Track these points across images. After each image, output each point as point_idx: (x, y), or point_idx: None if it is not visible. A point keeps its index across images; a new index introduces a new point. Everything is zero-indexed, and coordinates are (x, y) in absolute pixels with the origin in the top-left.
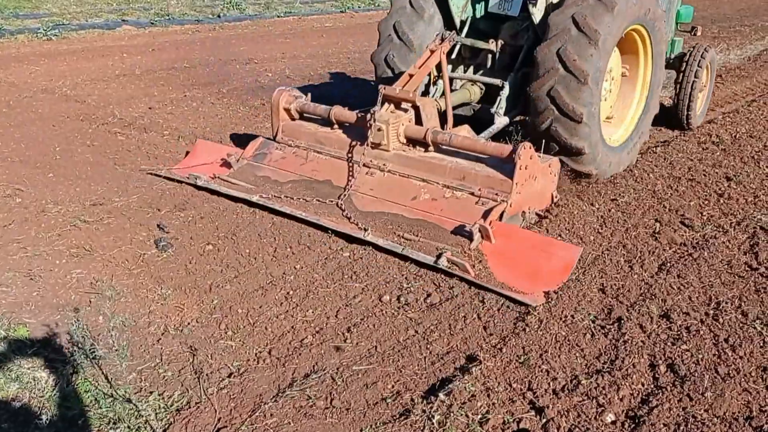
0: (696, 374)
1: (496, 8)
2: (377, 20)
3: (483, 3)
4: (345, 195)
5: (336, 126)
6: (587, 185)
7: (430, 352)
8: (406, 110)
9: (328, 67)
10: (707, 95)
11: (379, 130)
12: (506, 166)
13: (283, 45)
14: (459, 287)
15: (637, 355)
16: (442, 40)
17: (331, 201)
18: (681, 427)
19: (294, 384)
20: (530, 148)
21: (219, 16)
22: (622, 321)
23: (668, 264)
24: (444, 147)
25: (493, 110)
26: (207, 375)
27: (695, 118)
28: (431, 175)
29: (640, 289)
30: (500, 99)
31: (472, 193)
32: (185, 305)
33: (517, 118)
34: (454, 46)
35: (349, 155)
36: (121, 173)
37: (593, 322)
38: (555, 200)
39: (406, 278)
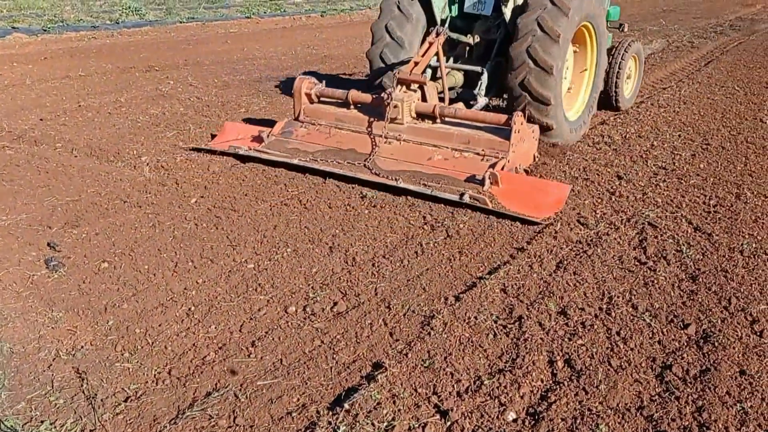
0: (591, 368)
1: (471, 9)
2: (283, 25)
3: (458, 4)
4: (370, 159)
5: (352, 106)
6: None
7: (337, 362)
8: (415, 91)
9: (233, 74)
10: (637, 82)
11: (395, 106)
12: (503, 130)
13: (186, 51)
14: (366, 294)
15: (536, 353)
16: (437, 34)
17: (359, 163)
18: (577, 421)
19: (194, 404)
20: (521, 116)
21: (117, 22)
22: (523, 319)
23: (565, 261)
24: (448, 119)
25: (475, 92)
26: (102, 400)
27: (624, 102)
28: (441, 141)
29: (539, 287)
30: (481, 83)
31: (477, 153)
32: (78, 328)
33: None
34: None
35: (368, 129)
36: (9, 189)
37: (495, 322)
38: (536, 160)
39: (312, 288)
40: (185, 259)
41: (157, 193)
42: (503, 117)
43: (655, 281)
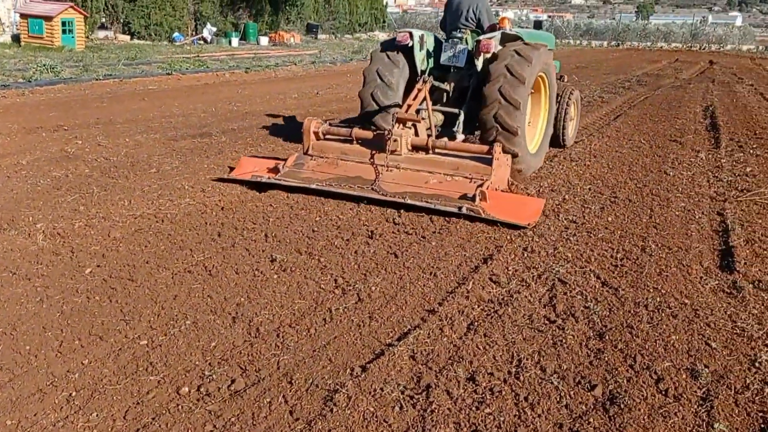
0: None
1: (447, 61)
2: (206, 81)
3: (434, 57)
4: (376, 184)
5: (355, 141)
6: (407, 249)
7: None
8: (410, 128)
9: (147, 132)
10: (576, 123)
11: (395, 140)
12: (486, 159)
13: (99, 110)
14: (267, 369)
15: (443, 425)
16: (424, 82)
17: (368, 187)
18: None
19: None
20: (500, 146)
21: (29, 81)
22: (431, 388)
23: (476, 323)
24: (438, 150)
25: (454, 129)
26: None
27: (568, 140)
28: (435, 168)
29: (449, 352)
30: (459, 122)
31: (465, 177)
32: None
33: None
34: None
35: (371, 160)
36: None
37: (402, 392)
38: (509, 184)
39: (209, 364)
40: (72, 337)
41: (49, 264)
42: (485, 147)
43: (564, 341)
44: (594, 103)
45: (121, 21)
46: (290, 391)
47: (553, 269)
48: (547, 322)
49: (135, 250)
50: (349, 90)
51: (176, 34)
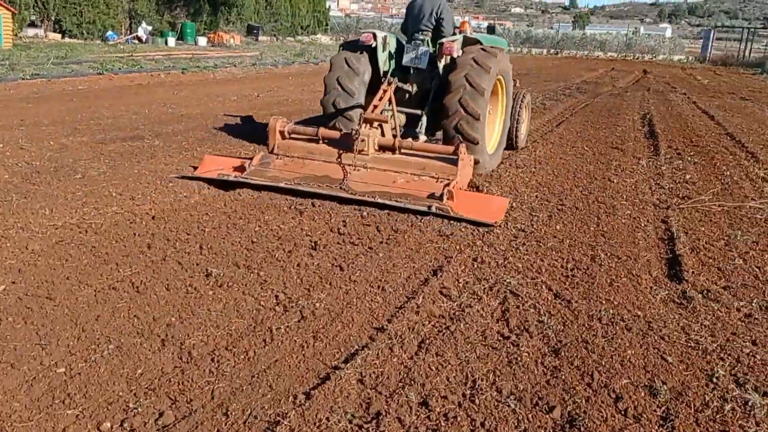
0: None
1: (409, 62)
2: (139, 82)
3: (396, 59)
4: (345, 183)
5: (322, 141)
6: (354, 261)
7: None
8: (376, 128)
9: (74, 134)
10: (527, 126)
11: (362, 140)
12: (451, 159)
13: (23, 111)
14: (200, 399)
15: None
16: (389, 83)
17: (336, 186)
18: None
19: None
20: (465, 147)
21: None
22: (381, 416)
23: (427, 341)
24: (404, 151)
25: (417, 130)
26: None
27: (521, 142)
28: (402, 168)
29: (400, 374)
30: (421, 123)
31: (432, 177)
32: None
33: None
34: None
35: (338, 159)
36: None
37: (350, 422)
38: (471, 183)
39: (135, 395)
40: None
41: None
42: (451, 148)
43: (519, 358)
44: (537, 110)
45: (52, 19)
46: (226, 424)
47: (505, 281)
48: (500, 338)
49: (55, 265)
50: (291, 93)
51: (110, 32)
